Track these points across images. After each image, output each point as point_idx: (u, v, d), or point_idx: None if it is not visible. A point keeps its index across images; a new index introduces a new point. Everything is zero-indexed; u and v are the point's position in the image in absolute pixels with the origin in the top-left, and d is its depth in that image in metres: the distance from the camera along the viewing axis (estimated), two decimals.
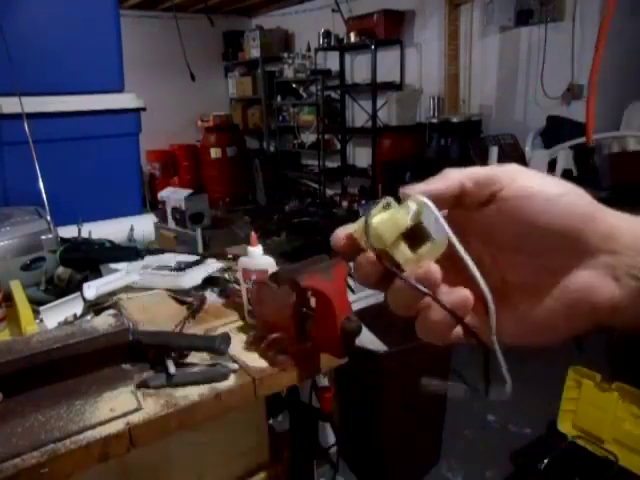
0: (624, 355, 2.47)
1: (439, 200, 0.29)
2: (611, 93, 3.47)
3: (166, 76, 6.30)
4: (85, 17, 1.68)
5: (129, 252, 1.31)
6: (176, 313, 1.09)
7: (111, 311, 1.06)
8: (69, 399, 0.79)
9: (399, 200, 0.31)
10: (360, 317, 0.87)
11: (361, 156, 5.93)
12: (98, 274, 1.24)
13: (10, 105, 1.48)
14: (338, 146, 6.02)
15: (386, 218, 0.30)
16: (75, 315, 1.06)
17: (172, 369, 0.83)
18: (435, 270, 0.29)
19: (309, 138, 6.43)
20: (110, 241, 1.38)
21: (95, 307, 1.11)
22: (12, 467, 0.66)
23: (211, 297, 1.17)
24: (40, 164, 1.44)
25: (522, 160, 3.65)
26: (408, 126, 4.95)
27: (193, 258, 1.29)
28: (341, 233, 0.32)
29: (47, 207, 1.38)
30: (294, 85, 6.23)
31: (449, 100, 4.79)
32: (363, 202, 5.42)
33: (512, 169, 0.30)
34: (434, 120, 4.53)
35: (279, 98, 6.45)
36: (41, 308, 1.07)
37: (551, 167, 3.09)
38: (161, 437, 0.78)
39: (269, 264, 1.02)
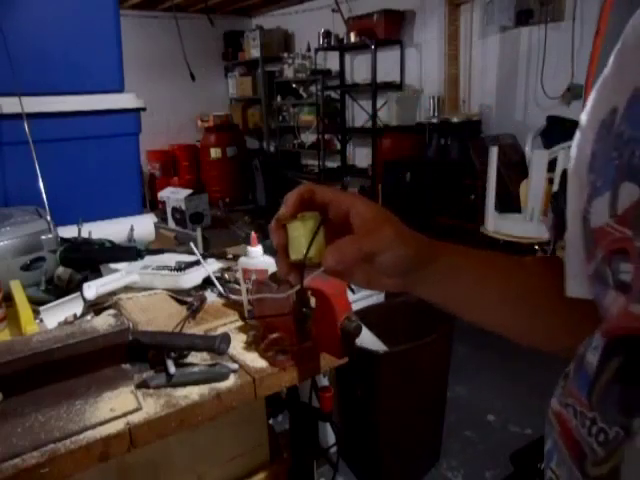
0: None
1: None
2: None
3: (166, 76, 6.30)
4: (85, 17, 1.67)
5: (129, 252, 1.31)
6: (176, 313, 1.09)
7: (111, 311, 1.06)
8: (69, 399, 0.79)
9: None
10: (360, 317, 0.87)
11: (361, 156, 5.93)
12: (98, 274, 1.24)
13: (10, 105, 1.48)
14: (338, 146, 6.01)
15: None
16: (75, 315, 1.06)
17: (172, 369, 0.83)
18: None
19: (309, 138, 6.43)
20: (110, 241, 1.38)
21: (95, 307, 1.11)
22: (12, 467, 0.66)
23: (211, 297, 1.17)
24: (40, 164, 1.44)
25: (522, 160, 3.65)
26: (408, 126, 4.94)
27: (193, 258, 1.29)
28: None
29: (47, 207, 1.38)
30: (294, 85, 6.22)
31: (449, 100, 4.79)
32: None
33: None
34: (434, 120, 4.53)
35: (279, 98, 6.45)
36: (41, 308, 1.07)
37: (551, 167, 3.08)
38: (161, 437, 0.78)
39: (269, 264, 1.02)
